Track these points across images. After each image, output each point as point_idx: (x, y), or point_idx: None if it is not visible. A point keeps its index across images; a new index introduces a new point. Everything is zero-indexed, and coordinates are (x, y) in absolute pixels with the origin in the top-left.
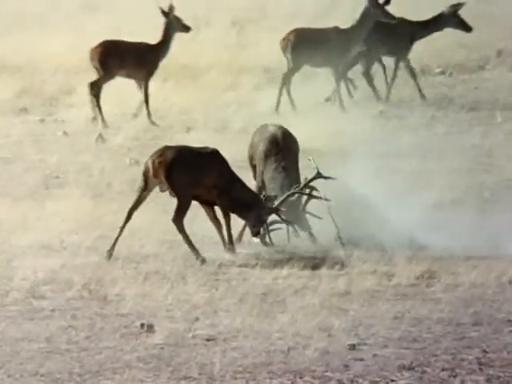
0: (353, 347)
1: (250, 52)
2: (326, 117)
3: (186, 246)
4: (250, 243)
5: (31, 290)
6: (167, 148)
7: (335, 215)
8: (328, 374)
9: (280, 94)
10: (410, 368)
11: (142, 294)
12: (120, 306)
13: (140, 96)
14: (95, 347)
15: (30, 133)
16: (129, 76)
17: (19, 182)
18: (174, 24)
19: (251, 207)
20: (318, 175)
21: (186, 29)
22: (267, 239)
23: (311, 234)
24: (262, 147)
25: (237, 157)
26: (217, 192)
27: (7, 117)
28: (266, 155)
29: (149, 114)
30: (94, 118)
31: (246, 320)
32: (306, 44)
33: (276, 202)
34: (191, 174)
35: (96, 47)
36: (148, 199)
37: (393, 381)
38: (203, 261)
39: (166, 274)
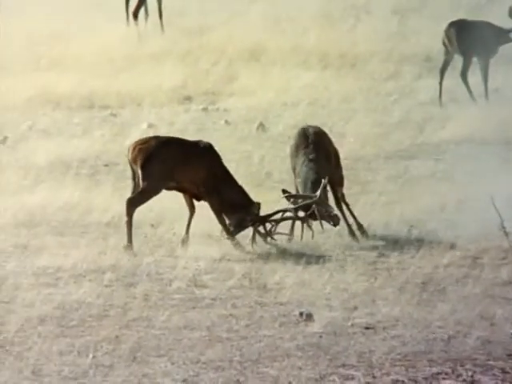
0: None
1: (410, 41)
2: (490, 106)
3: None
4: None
5: (193, 279)
6: (154, 138)
7: (500, 205)
8: (490, 362)
9: None
10: None
11: (301, 283)
12: (279, 295)
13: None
14: (255, 335)
15: (193, 121)
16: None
17: None
18: None
19: (238, 209)
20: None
21: None
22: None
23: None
24: (292, 142)
25: (399, 145)
26: (205, 190)
27: (172, 105)
28: (296, 149)
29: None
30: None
31: (405, 309)
32: None
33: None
34: (169, 168)
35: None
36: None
37: None
38: (128, 249)
39: (325, 262)
